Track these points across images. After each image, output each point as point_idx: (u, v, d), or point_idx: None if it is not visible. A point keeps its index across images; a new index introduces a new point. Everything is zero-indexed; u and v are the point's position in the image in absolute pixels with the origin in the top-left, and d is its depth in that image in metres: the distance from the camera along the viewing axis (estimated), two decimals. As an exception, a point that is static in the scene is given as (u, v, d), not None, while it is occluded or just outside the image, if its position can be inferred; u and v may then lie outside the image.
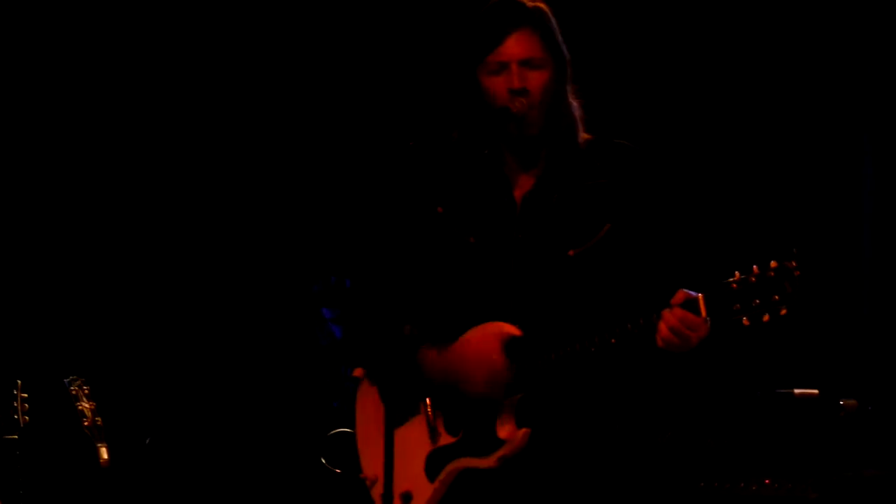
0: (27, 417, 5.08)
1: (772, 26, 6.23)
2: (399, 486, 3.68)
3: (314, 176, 6.66)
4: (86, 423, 5.08)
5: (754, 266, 3.40)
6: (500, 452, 3.69)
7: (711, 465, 5.29)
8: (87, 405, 5.10)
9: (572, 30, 3.83)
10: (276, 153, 6.69)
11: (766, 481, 5.13)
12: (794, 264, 3.36)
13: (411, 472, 3.78)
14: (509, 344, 3.70)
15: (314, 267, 6.66)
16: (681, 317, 3.49)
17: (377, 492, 3.86)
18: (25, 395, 5.11)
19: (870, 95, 6.20)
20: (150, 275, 6.58)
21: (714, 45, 6.27)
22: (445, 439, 3.78)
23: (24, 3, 6.46)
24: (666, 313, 3.51)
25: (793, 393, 5.30)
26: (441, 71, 3.97)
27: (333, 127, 6.67)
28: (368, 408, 3.93)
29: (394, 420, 3.47)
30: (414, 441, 3.81)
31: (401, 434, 3.71)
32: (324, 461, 6.01)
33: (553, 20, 3.78)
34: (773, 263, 3.38)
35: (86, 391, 5.15)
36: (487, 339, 3.71)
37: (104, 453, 5.03)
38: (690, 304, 3.49)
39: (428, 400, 3.82)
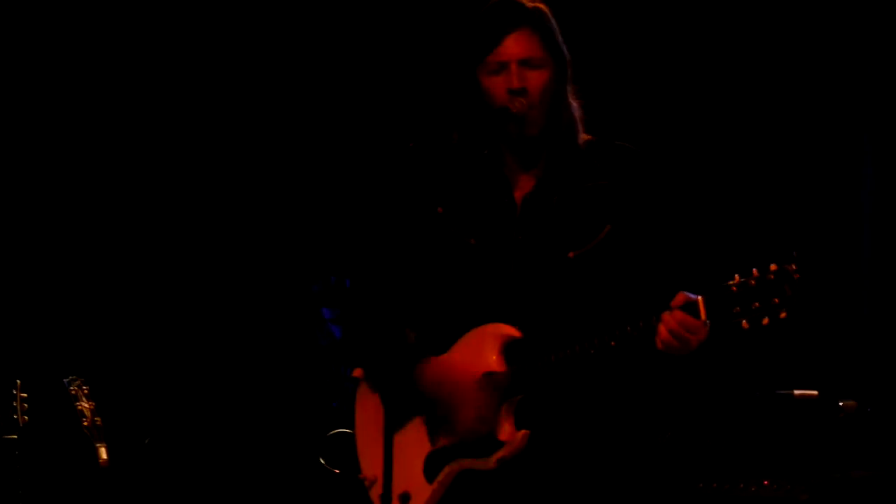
0: (26, 417, 5.09)
1: (772, 27, 6.23)
2: (398, 487, 3.68)
3: (314, 176, 6.66)
4: (85, 423, 5.08)
5: (754, 269, 3.40)
6: (500, 454, 3.69)
7: (711, 467, 5.29)
8: (86, 405, 5.10)
9: (573, 30, 3.83)
10: (277, 154, 6.68)
11: (766, 482, 5.13)
12: (793, 267, 3.36)
13: (410, 473, 3.78)
14: (509, 346, 3.70)
15: (314, 267, 6.66)
16: (680, 320, 3.49)
17: (376, 492, 3.87)
18: (25, 394, 5.11)
19: (870, 96, 6.20)
20: (149, 275, 6.58)
21: (714, 45, 6.27)
22: (444, 440, 3.78)
23: (24, 3, 6.46)
24: (665, 316, 3.51)
25: (792, 394, 5.30)
26: (441, 71, 3.97)
27: (334, 127, 6.67)
28: (368, 408, 3.92)
29: (393, 423, 3.47)
30: (413, 442, 3.80)
31: (400, 435, 3.71)
32: (322, 461, 6.01)
33: (553, 20, 3.78)
34: (772, 266, 3.38)
35: (85, 391, 5.15)
36: (485, 340, 3.71)
37: (103, 453, 5.03)
38: (690, 307, 3.49)
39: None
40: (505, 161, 3.82)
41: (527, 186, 3.81)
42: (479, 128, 3.77)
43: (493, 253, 3.77)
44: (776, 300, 3.36)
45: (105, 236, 6.54)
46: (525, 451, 3.67)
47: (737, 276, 3.42)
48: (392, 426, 3.45)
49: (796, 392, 5.30)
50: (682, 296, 3.51)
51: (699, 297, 3.49)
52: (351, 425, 3.99)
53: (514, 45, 3.72)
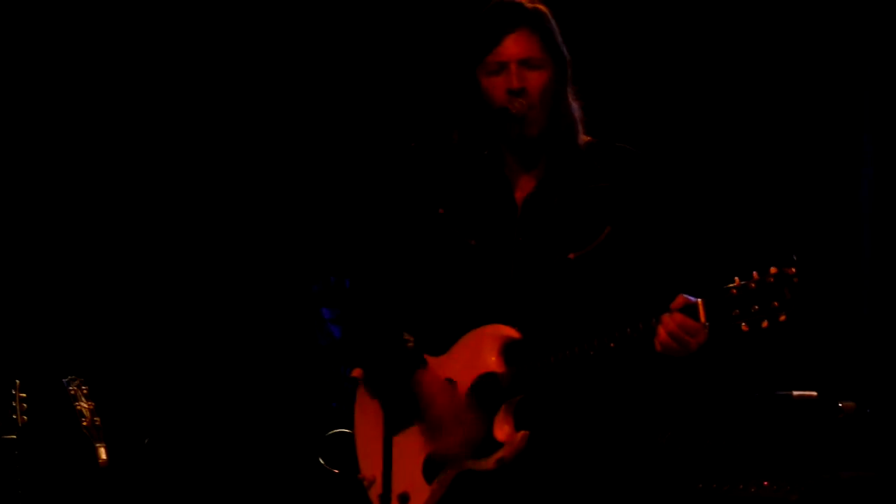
0: (26, 417, 5.09)
1: (772, 27, 6.23)
2: (397, 487, 3.68)
3: (315, 177, 6.66)
4: (84, 423, 5.08)
5: (754, 272, 3.40)
6: (499, 455, 3.69)
7: (710, 467, 5.29)
8: (85, 405, 5.10)
9: (573, 31, 3.83)
10: (277, 154, 6.68)
11: (766, 483, 5.13)
12: (793, 271, 3.37)
13: (409, 474, 3.78)
14: (508, 347, 3.70)
15: (314, 267, 6.65)
16: (680, 322, 3.49)
17: (375, 492, 3.87)
18: (24, 394, 5.11)
19: (870, 96, 6.20)
20: (149, 275, 6.58)
21: (714, 46, 6.27)
22: (442, 444, 3.78)
23: (24, 3, 6.46)
24: (665, 318, 3.51)
25: (791, 395, 5.30)
26: (441, 71, 3.97)
27: (334, 128, 6.67)
28: (367, 409, 3.92)
29: (393, 424, 3.47)
30: (412, 442, 3.80)
31: (399, 436, 3.71)
32: (322, 461, 6.01)
33: (552, 21, 3.78)
34: (772, 270, 3.38)
35: (84, 391, 5.15)
36: (485, 341, 3.71)
37: (103, 453, 5.03)
38: (690, 310, 3.49)
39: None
40: (505, 162, 3.82)
41: (527, 187, 3.81)
42: (480, 128, 3.78)
43: (494, 254, 3.77)
44: (775, 303, 3.36)
45: (105, 236, 6.54)
46: (524, 452, 3.68)
47: (736, 278, 3.43)
48: (391, 428, 3.45)
49: (795, 393, 5.30)
50: (682, 298, 3.51)
51: (699, 300, 3.49)
52: (350, 425, 3.99)
53: (514, 46, 3.72)
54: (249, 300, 6.63)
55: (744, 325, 3.41)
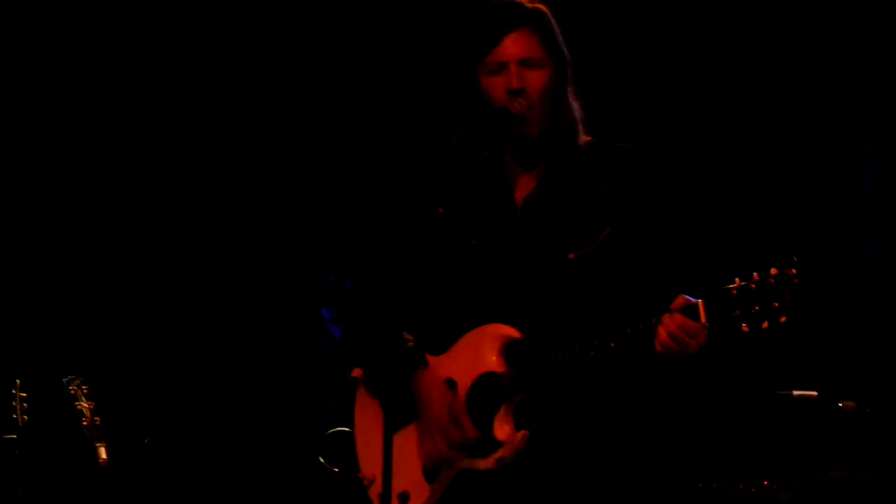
0: (26, 417, 5.09)
1: (771, 27, 6.23)
2: (397, 486, 3.68)
3: (315, 176, 6.66)
4: (84, 423, 5.09)
5: (754, 273, 3.40)
6: (499, 454, 3.69)
7: (710, 467, 5.29)
8: (85, 405, 5.10)
9: (573, 31, 3.83)
10: (277, 153, 6.68)
11: (765, 483, 5.13)
12: (793, 272, 3.36)
13: (409, 473, 3.78)
14: (509, 346, 3.70)
15: (314, 267, 6.65)
16: (680, 323, 3.49)
17: (375, 491, 3.86)
18: (24, 394, 5.11)
19: (870, 96, 6.20)
20: (149, 275, 6.58)
21: (714, 46, 6.27)
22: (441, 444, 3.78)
23: (24, 3, 6.46)
24: (665, 319, 3.51)
25: (791, 395, 5.30)
26: (441, 71, 3.97)
27: (334, 127, 6.67)
28: (367, 408, 3.92)
29: (393, 424, 3.47)
30: (412, 442, 3.80)
31: (399, 434, 3.71)
32: (322, 460, 6.01)
33: (553, 21, 3.77)
34: (773, 270, 3.38)
35: (84, 391, 5.15)
36: (485, 341, 3.71)
37: (103, 453, 5.04)
38: (690, 310, 3.49)
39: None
40: (506, 161, 3.82)
41: (528, 187, 3.80)
42: (480, 128, 3.77)
43: (494, 254, 3.77)
44: (776, 304, 3.36)
45: (105, 236, 6.54)
46: (524, 452, 3.68)
47: (737, 279, 3.42)
48: (391, 427, 3.45)
49: (795, 393, 5.30)
50: (683, 298, 3.51)
51: (699, 301, 3.49)
52: (350, 425, 3.99)
53: (514, 46, 3.71)
54: (250, 300, 6.63)
55: (744, 326, 3.41)
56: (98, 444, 5.06)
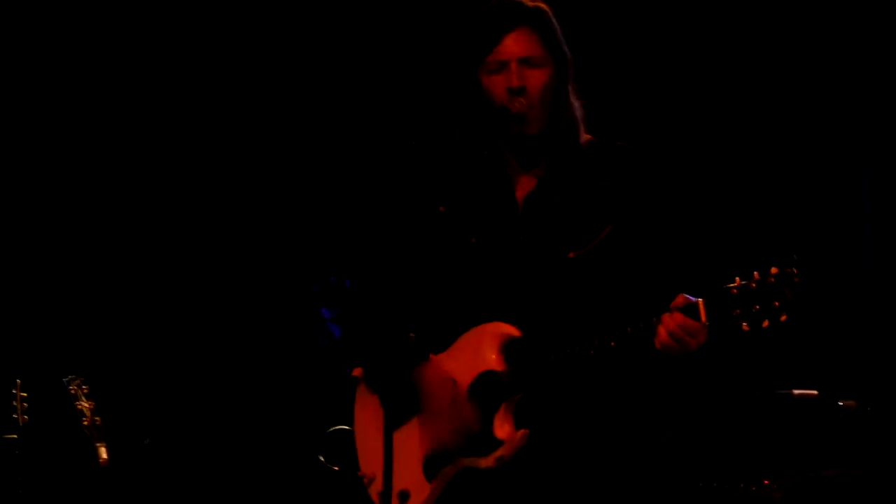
0: (26, 417, 5.09)
1: (772, 27, 6.23)
2: (397, 485, 3.68)
3: (315, 175, 6.66)
4: (85, 423, 5.09)
5: (755, 272, 3.40)
6: (499, 453, 3.69)
7: (710, 466, 5.29)
8: (86, 404, 5.10)
9: (574, 30, 3.83)
10: (277, 153, 6.68)
11: (766, 482, 5.13)
12: (794, 271, 3.36)
13: (409, 471, 3.78)
14: (509, 345, 3.70)
15: (314, 267, 6.65)
16: (680, 322, 3.49)
17: (374, 489, 3.87)
18: (25, 394, 5.11)
19: (869, 97, 6.20)
20: (149, 275, 6.58)
21: (714, 46, 6.27)
22: (442, 441, 3.78)
23: (24, 3, 6.46)
24: (665, 318, 3.51)
25: (792, 393, 5.30)
26: (442, 70, 3.97)
27: (334, 126, 6.67)
28: (367, 406, 3.92)
29: (393, 421, 3.47)
30: (412, 440, 3.80)
31: (399, 433, 3.71)
32: (322, 459, 6.01)
33: (553, 20, 3.77)
34: (773, 270, 3.38)
35: (85, 390, 5.15)
36: (485, 339, 3.71)
37: (103, 453, 5.03)
38: (690, 309, 3.49)
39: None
40: (506, 161, 3.82)
41: (528, 186, 3.81)
42: (480, 127, 3.77)
43: (494, 252, 3.77)
44: (776, 303, 3.36)
45: (104, 236, 6.54)
46: (524, 451, 3.68)
47: (737, 278, 3.42)
48: (392, 423, 3.46)
49: (796, 392, 5.30)
50: (683, 297, 3.51)
51: (700, 300, 3.49)
52: (351, 424, 3.99)
53: (514, 45, 3.72)
54: (250, 300, 6.63)
55: (745, 325, 3.41)
56: (98, 444, 5.06)
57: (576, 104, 3.80)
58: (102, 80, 6.54)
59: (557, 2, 3.82)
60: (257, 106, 6.66)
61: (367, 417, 3.89)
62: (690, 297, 3.50)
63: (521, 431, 3.68)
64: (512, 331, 3.70)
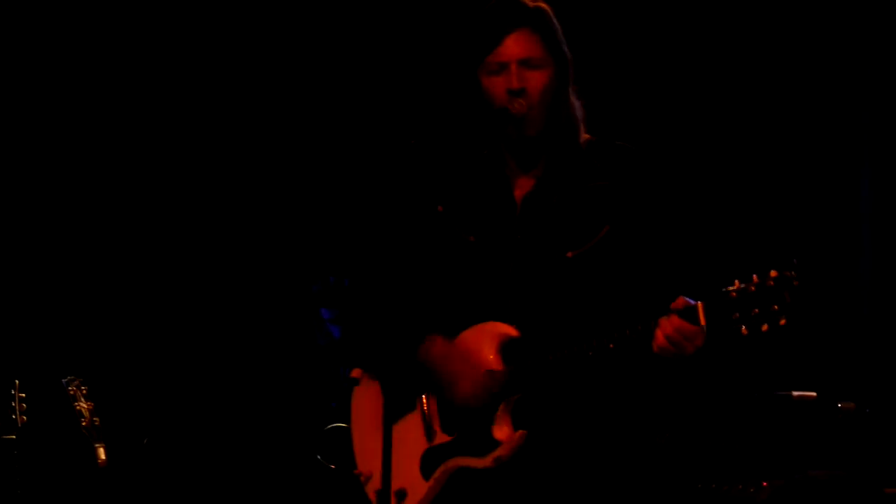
0: (25, 417, 5.08)
1: (772, 27, 6.23)
2: (394, 484, 3.67)
3: (314, 175, 6.66)
4: (84, 424, 5.08)
5: (754, 275, 3.40)
6: (497, 453, 3.68)
7: (709, 467, 5.29)
8: (84, 405, 5.10)
9: (575, 30, 3.82)
10: (276, 153, 6.68)
11: (764, 483, 5.13)
12: (793, 274, 3.36)
13: (406, 470, 3.78)
14: (506, 345, 3.70)
15: (314, 267, 6.65)
16: (677, 326, 3.49)
17: (371, 487, 3.87)
18: (23, 394, 5.10)
19: (869, 96, 6.20)
20: (148, 275, 6.58)
21: (714, 46, 6.27)
22: (441, 438, 3.78)
23: (24, 3, 6.46)
24: (663, 321, 3.51)
25: (791, 395, 5.30)
26: (442, 71, 3.96)
27: (333, 126, 6.67)
28: (365, 405, 3.92)
29: (392, 415, 3.47)
30: (410, 439, 3.80)
31: (397, 431, 3.70)
32: (319, 457, 6.01)
33: (554, 20, 3.76)
34: (772, 273, 3.37)
35: (84, 391, 5.14)
36: (483, 339, 3.71)
37: (102, 453, 5.03)
38: (689, 313, 3.49)
39: (424, 397, 3.81)
40: (505, 161, 3.81)
41: (527, 186, 3.80)
42: (480, 128, 3.77)
43: (492, 251, 3.77)
44: (776, 307, 3.36)
45: (104, 236, 6.54)
46: (522, 451, 3.67)
47: (736, 281, 3.42)
48: (391, 419, 3.46)
49: (795, 393, 5.30)
50: (682, 300, 3.50)
51: (698, 303, 3.48)
52: (347, 423, 3.99)
53: (514, 46, 3.71)
54: (249, 300, 6.63)
55: (743, 329, 3.40)
56: (97, 445, 5.05)
57: (576, 104, 3.80)
58: (102, 80, 6.54)
59: (558, 2, 3.81)
60: (257, 106, 6.66)
61: (365, 415, 3.89)
62: (689, 300, 3.50)
63: (519, 432, 3.68)
64: (510, 331, 3.70)
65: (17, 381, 5.12)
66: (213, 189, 6.64)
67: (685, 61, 6.30)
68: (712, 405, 5.45)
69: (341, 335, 6.50)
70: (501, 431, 3.68)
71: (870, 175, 6.20)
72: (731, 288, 3.42)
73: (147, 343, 6.52)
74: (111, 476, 5.02)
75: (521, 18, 3.72)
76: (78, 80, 6.51)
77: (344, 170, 6.52)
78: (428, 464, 3.78)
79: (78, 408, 5.09)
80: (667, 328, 3.50)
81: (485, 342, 3.70)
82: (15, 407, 5.08)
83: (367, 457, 3.87)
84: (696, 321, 3.48)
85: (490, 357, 3.69)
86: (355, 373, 3.97)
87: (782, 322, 3.36)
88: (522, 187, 3.80)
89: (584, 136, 3.82)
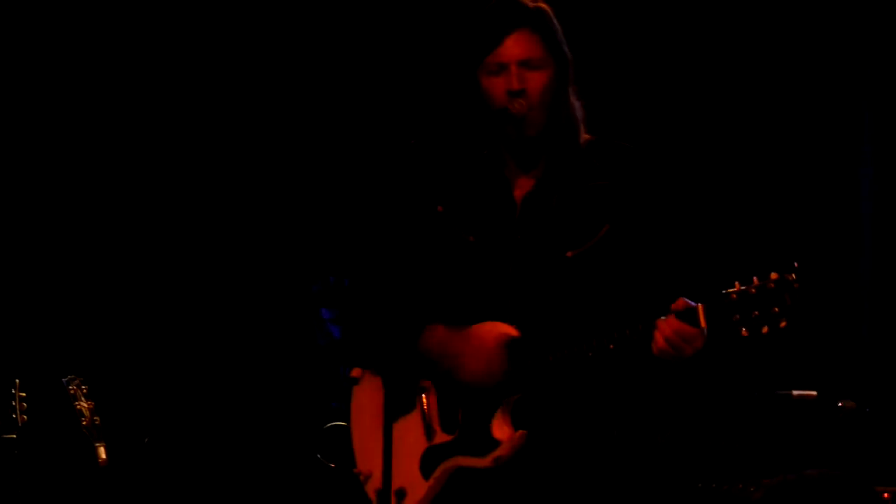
0: (25, 417, 5.08)
1: (771, 27, 6.23)
2: (393, 483, 3.67)
3: (314, 175, 6.66)
4: (84, 423, 5.08)
5: (754, 277, 3.40)
6: (496, 453, 3.69)
7: (709, 467, 5.29)
8: (85, 404, 5.10)
9: (575, 30, 3.82)
10: (276, 153, 6.68)
11: (765, 482, 5.13)
12: (794, 277, 3.36)
13: (406, 469, 3.78)
14: (507, 345, 3.70)
15: (314, 267, 6.65)
16: (677, 328, 3.49)
17: (371, 487, 3.86)
18: (24, 394, 5.10)
19: (869, 97, 6.20)
20: (148, 275, 6.58)
21: (714, 46, 6.27)
22: (441, 437, 3.78)
23: (24, 3, 6.46)
24: (661, 323, 3.51)
25: (791, 394, 5.30)
26: (442, 71, 3.97)
27: (333, 126, 6.67)
28: (364, 405, 3.92)
29: (392, 412, 3.47)
30: (409, 438, 3.80)
31: (396, 430, 3.69)
32: (319, 456, 6.01)
33: (554, 20, 3.76)
34: (773, 275, 3.38)
35: (84, 390, 5.14)
36: (486, 336, 3.71)
37: (102, 453, 5.03)
38: (689, 315, 3.49)
39: (424, 397, 3.82)
40: (505, 161, 3.81)
41: (527, 186, 3.80)
42: (479, 128, 3.77)
43: (492, 251, 3.77)
44: (776, 309, 3.36)
45: (104, 236, 6.54)
46: (522, 451, 3.67)
47: (737, 283, 3.42)
48: (392, 416, 3.46)
49: (795, 393, 5.30)
50: (683, 302, 3.50)
51: (699, 305, 3.48)
52: (347, 422, 3.99)
53: (514, 46, 3.71)
54: (249, 300, 6.63)
55: (744, 331, 3.41)
56: (97, 444, 5.05)
57: (576, 105, 3.79)
58: (102, 80, 6.54)
59: (558, 2, 3.81)
60: (257, 106, 6.66)
61: (364, 415, 3.89)
62: (690, 302, 3.50)
63: (519, 432, 3.68)
64: (510, 331, 3.70)
65: (17, 381, 5.12)
66: (213, 189, 6.65)
67: (685, 61, 6.30)
68: (712, 404, 5.45)
69: (341, 335, 6.50)
70: (501, 431, 3.69)
71: (870, 175, 6.20)
72: (731, 290, 3.43)
73: (147, 343, 6.52)
74: (111, 475, 5.02)
75: (521, 19, 3.72)
76: (78, 80, 6.51)
77: (344, 170, 6.52)
78: (428, 463, 3.78)
79: (78, 407, 5.09)
80: (666, 330, 3.50)
81: (486, 339, 3.70)
82: (15, 406, 5.08)
83: (367, 456, 3.87)
84: (696, 323, 3.48)
85: (492, 347, 3.68)
86: (355, 372, 3.97)
87: (782, 324, 3.36)
88: (522, 187, 3.80)
89: (584, 136, 3.81)
